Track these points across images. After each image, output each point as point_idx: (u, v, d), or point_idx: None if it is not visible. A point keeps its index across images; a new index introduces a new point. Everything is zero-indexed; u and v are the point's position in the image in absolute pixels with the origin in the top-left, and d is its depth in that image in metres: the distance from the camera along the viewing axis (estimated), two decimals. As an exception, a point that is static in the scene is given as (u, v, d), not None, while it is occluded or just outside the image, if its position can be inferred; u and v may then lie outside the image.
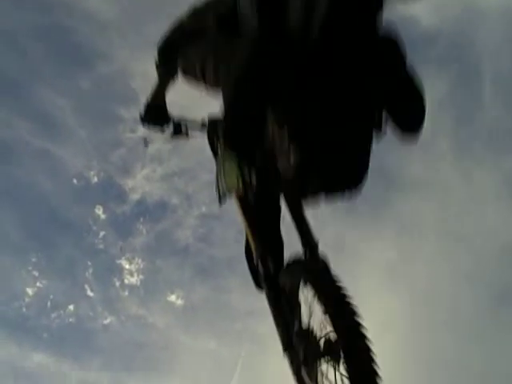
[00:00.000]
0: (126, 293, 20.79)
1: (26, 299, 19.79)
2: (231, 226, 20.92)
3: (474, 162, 20.98)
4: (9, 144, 19.80)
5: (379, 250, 20.43)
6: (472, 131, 21.16)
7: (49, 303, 20.19)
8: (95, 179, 20.96)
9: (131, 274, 20.86)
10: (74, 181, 20.88)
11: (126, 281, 20.86)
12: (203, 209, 21.96)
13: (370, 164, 2.02)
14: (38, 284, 20.02)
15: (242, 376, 19.33)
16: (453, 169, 20.94)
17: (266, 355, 20.76)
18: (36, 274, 19.96)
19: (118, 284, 20.82)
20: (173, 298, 20.91)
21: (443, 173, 20.81)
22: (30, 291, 19.72)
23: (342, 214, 20.84)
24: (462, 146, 20.73)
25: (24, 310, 19.61)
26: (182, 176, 21.88)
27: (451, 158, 21.02)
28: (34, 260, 19.93)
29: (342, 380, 1.63)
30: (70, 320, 20.29)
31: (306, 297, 1.90)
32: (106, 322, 20.52)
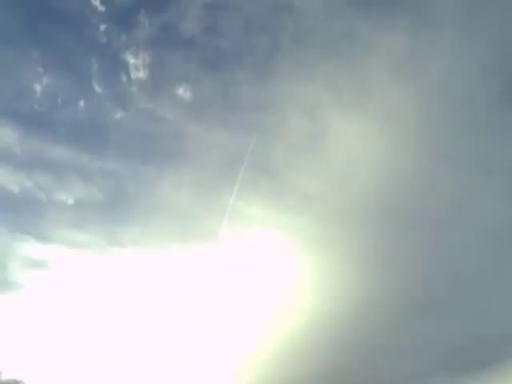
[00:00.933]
0: (134, 87, 21.26)
1: (36, 96, 20.23)
2: (239, 15, 20.19)
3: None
4: None
5: (391, 41, 20.11)
6: None
7: (59, 100, 20.79)
8: (88, -33, 19.45)
9: (137, 69, 21.02)
10: (65, -31, 19.44)
11: (132, 75, 21.14)
12: (208, -3, 20.69)
13: None
14: (44, 80, 20.27)
15: (250, 166, 20.80)
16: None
17: (272, 146, 22.09)
18: (41, 70, 20.04)
19: (124, 79, 21.16)
20: (181, 91, 21.45)
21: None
22: (38, 88, 20.05)
23: (354, 5, 19.78)
24: None
25: (36, 106, 20.25)
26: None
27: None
28: (35, 55, 19.71)
29: None
30: (82, 115, 21.14)
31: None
32: (117, 116, 21.46)
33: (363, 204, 21.46)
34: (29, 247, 19.87)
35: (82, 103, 19.49)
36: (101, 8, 18.67)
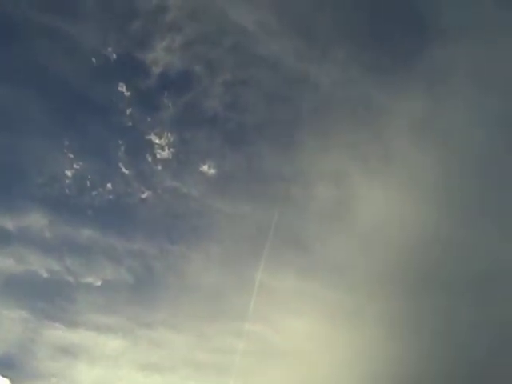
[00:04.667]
0: (159, 167, 21.64)
1: (67, 181, 20.78)
2: (259, 91, 20.85)
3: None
4: (15, 23, 18.95)
5: (408, 105, 20.35)
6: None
7: (88, 183, 21.23)
8: (114, 56, 20.48)
9: (162, 149, 21.47)
10: (93, 59, 20.41)
11: (157, 155, 21.59)
12: (228, 75, 21.61)
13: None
14: (74, 166, 20.82)
15: (277, 238, 20.77)
16: (495, 10, 19.70)
17: (298, 216, 22.10)
18: (71, 156, 20.66)
19: (150, 159, 21.57)
20: (205, 168, 21.78)
21: (483, 15, 19.62)
22: (68, 173, 20.61)
23: (369, 73, 20.44)
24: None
25: (66, 190, 20.70)
26: (204, 43, 21.14)
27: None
28: (66, 143, 20.45)
29: None
30: (110, 197, 21.48)
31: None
32: (144, 196, 21.73)
33: (393, 270, 21.11)
34: (58, 334, 19.67)
35: (109, 185, 19.83)
36: (127, 93, 19.44)
